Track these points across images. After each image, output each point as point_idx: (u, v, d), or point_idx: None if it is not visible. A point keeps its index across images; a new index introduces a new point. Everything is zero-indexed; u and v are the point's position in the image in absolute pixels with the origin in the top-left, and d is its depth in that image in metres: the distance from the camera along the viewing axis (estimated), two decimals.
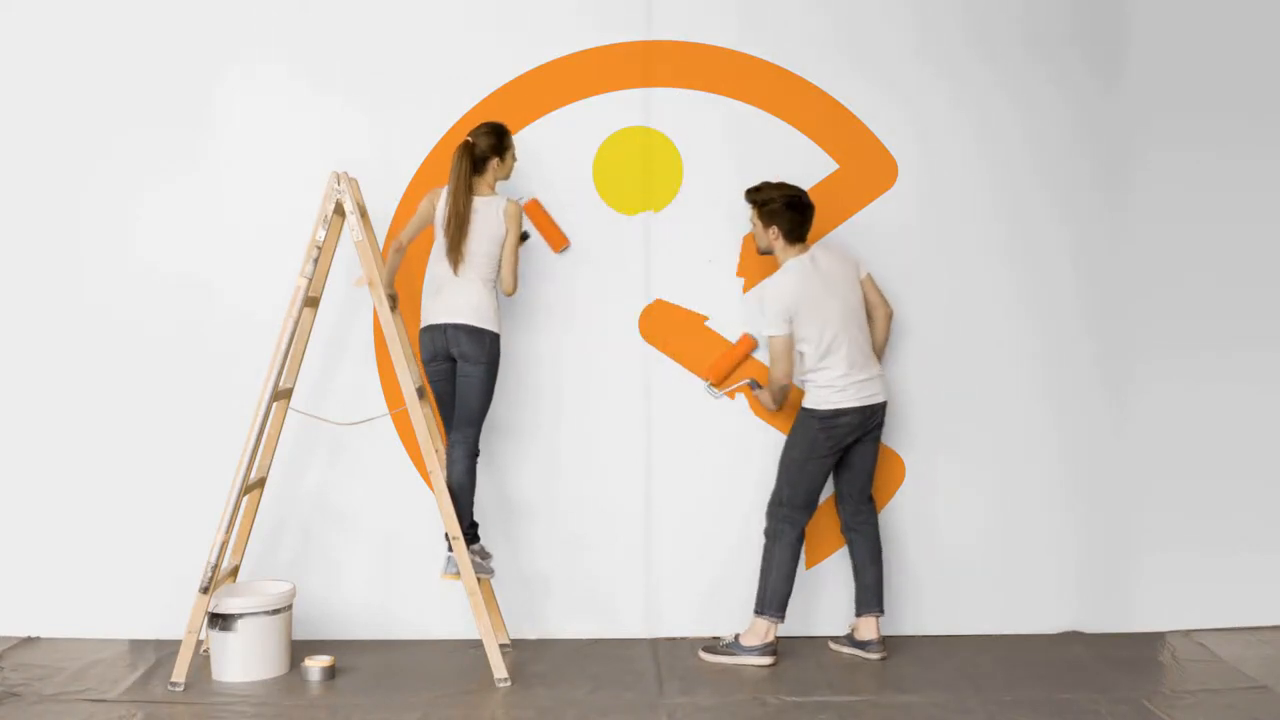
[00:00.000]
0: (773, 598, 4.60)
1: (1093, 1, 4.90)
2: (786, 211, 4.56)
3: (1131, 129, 4.91)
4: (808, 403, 4.61)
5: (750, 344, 4.87)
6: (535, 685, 4.37)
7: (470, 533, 4.56)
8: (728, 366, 4.87)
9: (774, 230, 4.58)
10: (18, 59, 4.84)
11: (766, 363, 4.73)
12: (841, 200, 4.88)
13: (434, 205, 4.52)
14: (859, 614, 4.68)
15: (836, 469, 4.71)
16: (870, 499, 4.74)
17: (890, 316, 4.73)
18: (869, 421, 4.60)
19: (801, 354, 4.60)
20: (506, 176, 4.60)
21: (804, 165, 4.85)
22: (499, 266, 4.48)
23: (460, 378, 4.49)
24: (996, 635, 4.90)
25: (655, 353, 4.91)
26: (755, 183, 4.65)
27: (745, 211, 4.74)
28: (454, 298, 4.46)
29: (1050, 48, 4.89)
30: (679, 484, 4.91)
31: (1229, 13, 4.93)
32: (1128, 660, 4.63)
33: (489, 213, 4.46)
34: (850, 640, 4.71)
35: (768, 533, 4.66)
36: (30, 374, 4.87)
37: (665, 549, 4.92)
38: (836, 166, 4.88)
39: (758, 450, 4.89)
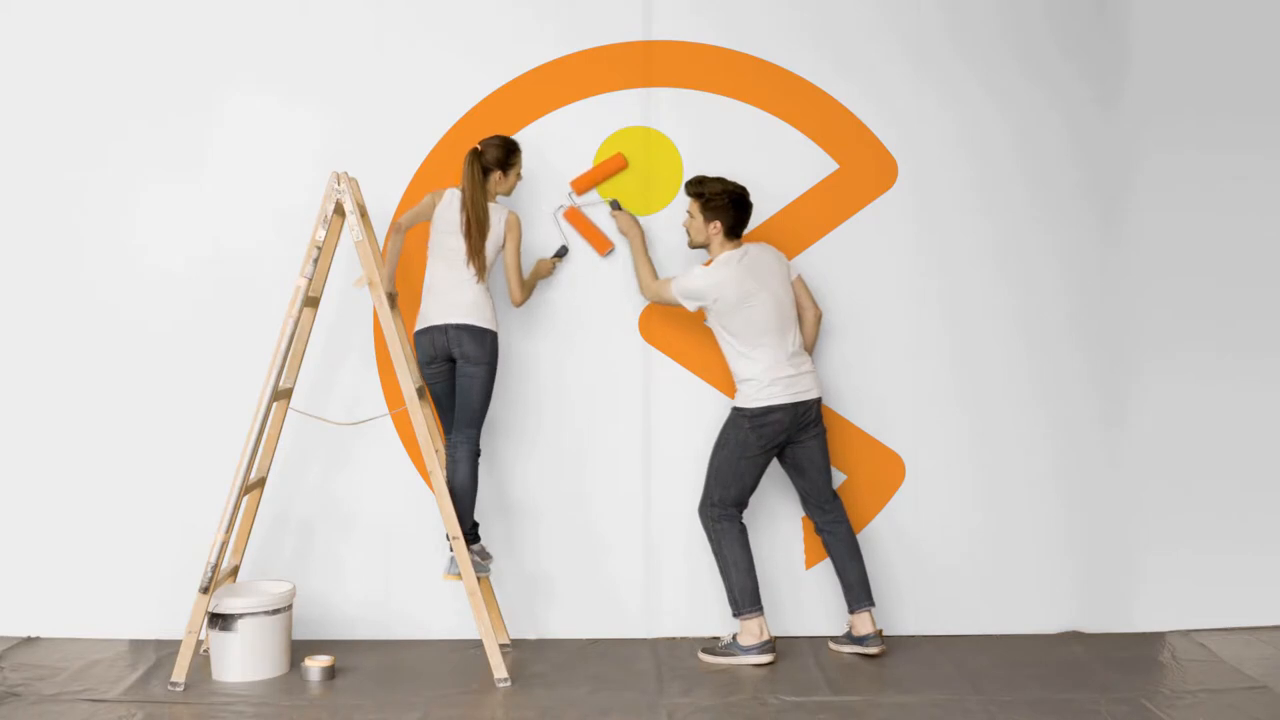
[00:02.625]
0: (742, 595, 4.60)
1: (1091, 11, 4.90)
2: (731, 208, 4.56)
3: (1129, 133, 4.91)
4: (738, 401, 4.60)
5: (620, 161, 4.81)
6: (535, 685, 4.37)
7: (471, 533, 4.56)
8: (594, 179, 4.82)
9: (715, 225, 4.58)
10: (18, 59, 4.85)
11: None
12: (841, 200, 4.88)
13: (434, 206, 4.55)
14: (851, 611, 4.68)
15: (789, 475, 4.72)
16: (834, 497, 4.73)
17: (819, 319, 4.74)
18: (802, 419, 4.58)
19: (728, 346, 4.59)
20: (507, 193, 4.63)
21: (804, 165, 4.86)
22: (490, 270, 4.55)
23: (462, 378, 4.50)
24: (997, 635, 4.90)
25: (655, 353, 4.92)
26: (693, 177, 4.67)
27: (758, 205, 4.75)
28: (453, 297, 4.48)
29: (1050, 54, 4.90)
30: (679, 484, 4.91)
31: (1227, 19, 4.93)
32: (1128, 660, 4.63)
33: (494, 220, 4.52)
34: (849, 638, 4.71)
35: (709, 537, 4.66)
36: (30, 374, 4.87)
37: (665, 549, 4.92)
38: (836, 166, 4.89)
39: None
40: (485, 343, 4.48)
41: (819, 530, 4.75)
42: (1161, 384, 4.94)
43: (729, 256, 4.57)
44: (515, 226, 4.56)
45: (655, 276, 4.69)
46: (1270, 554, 5.00)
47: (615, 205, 4.77)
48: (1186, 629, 4.94)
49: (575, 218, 4.83)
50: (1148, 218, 4.93)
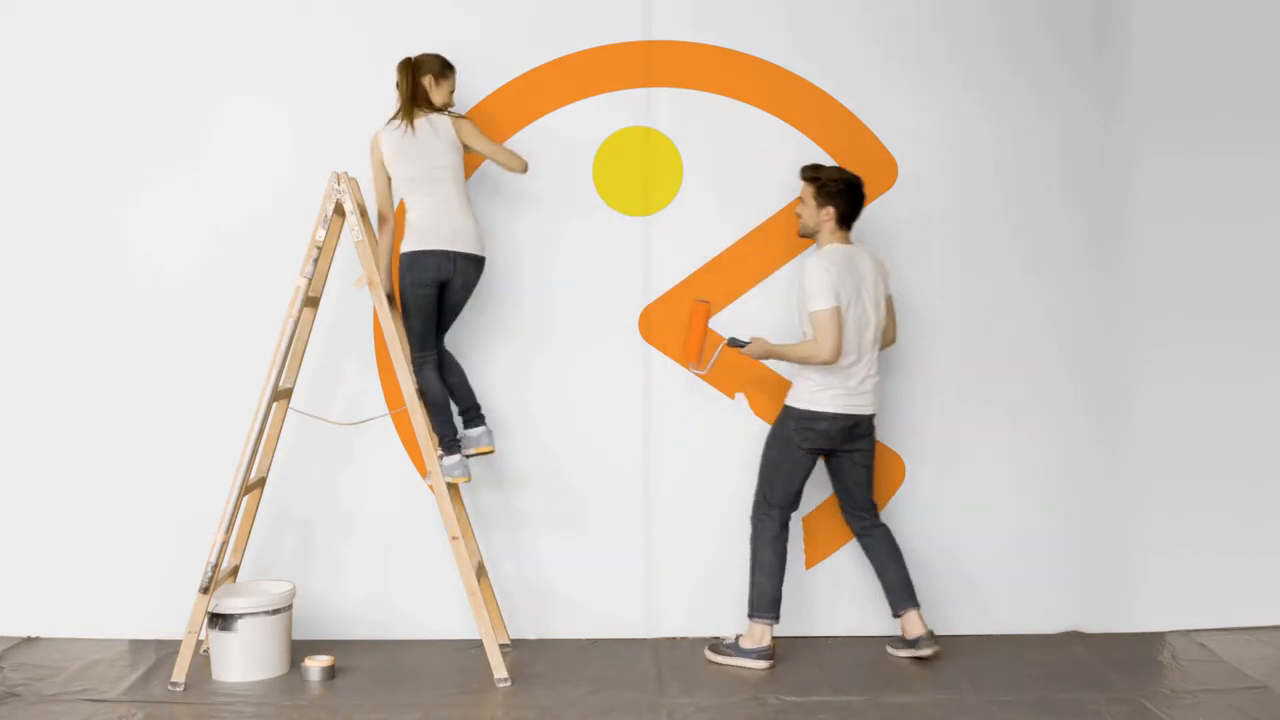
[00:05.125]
0: (760, 599, 4.57)
1: (1091, 14, 4.90)
2: (846, 194, 4.51)
3: (1130, 133, 4.91)
4: (789, 399, 4.57)
5: (704, 310, 4.72)
6: (535, 685, 4.37)
7: (477, 414, 4.62)
8: (698, 340, 4.72)
9: (828, 211, 4.51)
10: (14, 60, 4.84)
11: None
12: None
13: (381, 148, 4.50)
14: (897, 614, 4.64)
15: (832, 482, 4.70)
16: (872, 505, 4.71)
17: (891, 344, 4.69)
18: (851, 433, 4.53)
19: (804, 335, 4.53)
20: (439, 105, 4.54)
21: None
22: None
23: (453, 303, 4.58)
24: (996, 635, 4.90)
25: (655, 353, 4.91)
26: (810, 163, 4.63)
27: (746, 210, 4.76)
28: (459, 224, 4.49)
29: (1049, 55, 4.90)
30: (679, 483, 4.91)
31: (1227, 20, 4.93)
32: (1128, 660, 4.63)
33: (442, 127, 4.50)
34: (902, 642, 4.65)
35: (751, 532, 4.65)
36: (30, 374, 4.87)
37: (665, 548, 4.92)
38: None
39: (758, 450, 4.87)
40: (481, 269, 4.59)
41: (858, 536, 4.73)
42: (1161, 384, 4.94)
43: (838, 251, 4.49)
44: (465, 121, 4.55)
45: (804, 343, 4.46)
46: (1270, 554, 5.00)
47: (733, 342, 4.62)
48: (1186, 629, 4.94)
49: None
50: (1148, 217, 4.93)
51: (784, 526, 4.61)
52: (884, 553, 4.66)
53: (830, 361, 4.42)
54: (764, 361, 4.81)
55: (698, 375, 4.83)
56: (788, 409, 4.56)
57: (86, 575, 4.83)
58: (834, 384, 4.48)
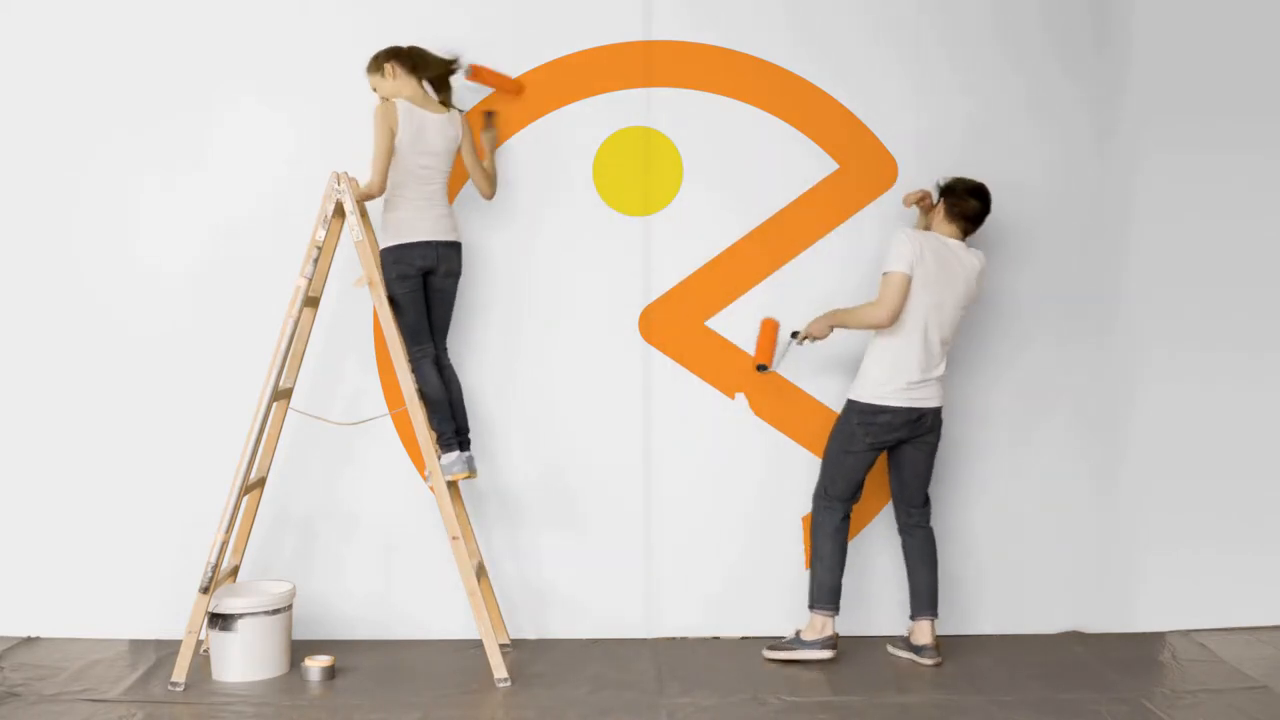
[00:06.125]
0: (819, 590, 4.57)
1: (1090, 14, 4.90)
2: (957, 190, 4.51)
3: (1130, 134, 4.91)
4: (852, 392, 4.56)
5: (772, 324, 4.80)
6: (535, 685, 4.37)
7: (463, 439, 4.59)
8: (769, 344, 4.78)
9: (941, 204, 4.54)
10: (14, 60, 4.84)
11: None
12: (841, 200, 4.88)
13: (393, 129, 4.42)
14: (913, 617, 4.63)
15: (890, 471, 4.68)
16: (925, 502, 4.69)
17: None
18: (916, 425, 4.52)
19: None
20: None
21: (804, 165, 4.86)
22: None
23: (441, 293, 4.59)
24: (996, 635, 4.90)
25: (655, 353, 4.92)
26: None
27: (746, 209, 4.78)
28: (438, 213, 4.53)
29: (1048, 56, 4.89)
30: (679, 484, 4.91)
31: (1231, 27, 4.94)
32: (1128, 660, 4.63)
33: (455, 126, 4.56)
34: (906, 644, 4.66)
35: (812, 523, 4.64)
36: (30, 374, 4.87)
37: (665, 549, 4.92)
38: (836, 166, 4.89)
39: (758, 450, 4.90)
40: (461, 255, 4.61)
41: (900, 530, 4.71)
42: (1161, 384, 4.94)
43: (935, 238, 4.48)
44: (466, 124, 4.59)
45: (864, 305, 4.53)
46: (1270, 554, 5.00)
47: (794, 336, 4.71)
48: (1186, 629, 4.94)
49: (481, 74, 4.70)
50: (1148, 218, 4.93)
51: (845, 519, 4.60)
52: (920, 556, 4.65)
53: (884, 325, 4.44)
54: (780, 371, 4.83)
55: (783, 357, 4.82)
56: (851, 403, 4.55)
57: (86, 575, 4.83)
58: (898, 378, 4.47)
